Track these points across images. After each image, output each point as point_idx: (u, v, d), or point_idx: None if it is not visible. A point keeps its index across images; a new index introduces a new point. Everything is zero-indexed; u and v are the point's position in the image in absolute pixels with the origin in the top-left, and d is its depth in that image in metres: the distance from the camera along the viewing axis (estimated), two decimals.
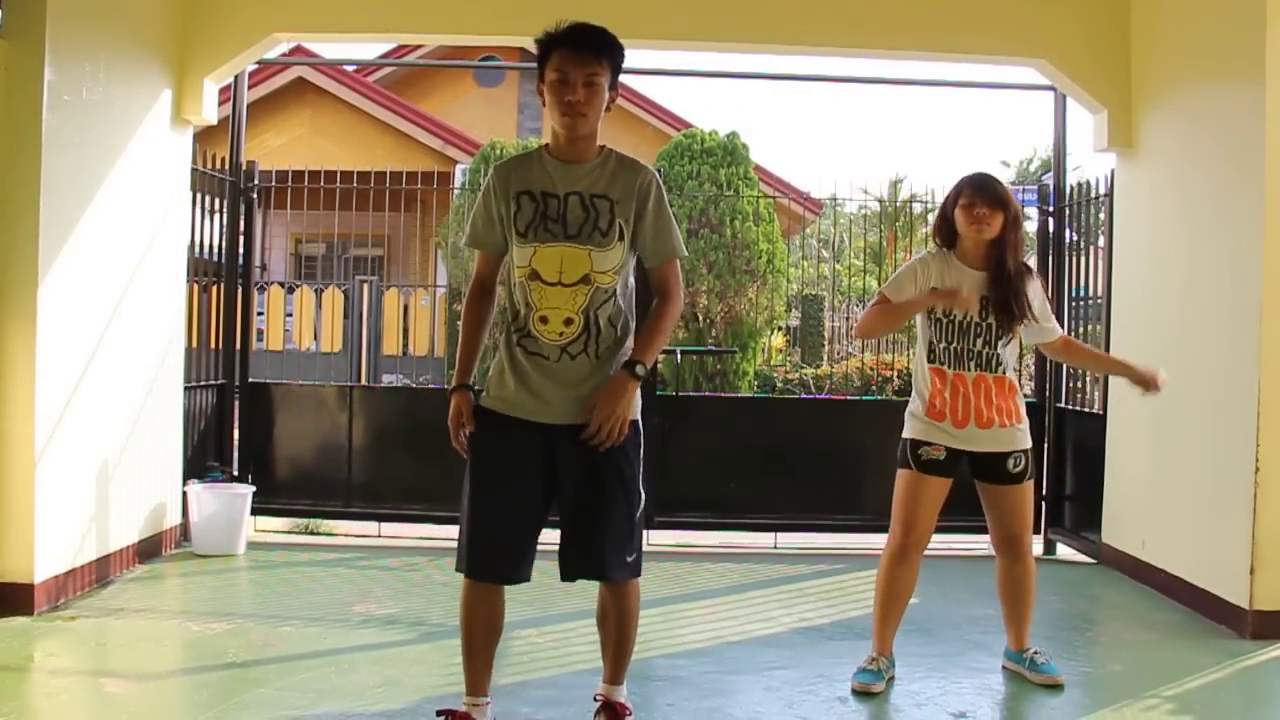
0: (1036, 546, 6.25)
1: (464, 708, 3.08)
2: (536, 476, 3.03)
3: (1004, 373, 3.75)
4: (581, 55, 2.90)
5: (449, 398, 3.10)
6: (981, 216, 3.67)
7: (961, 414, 3.73)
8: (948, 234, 3.82)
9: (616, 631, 3.15)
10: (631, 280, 3.12)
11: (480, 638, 3.07)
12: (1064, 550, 6.23)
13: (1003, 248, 3.71)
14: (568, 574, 3.05)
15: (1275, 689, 3.99)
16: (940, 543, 6.13)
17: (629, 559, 3.05)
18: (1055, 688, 3.78)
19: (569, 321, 2.96)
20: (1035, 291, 3.80)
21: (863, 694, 3.69)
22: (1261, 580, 4.45)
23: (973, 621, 4.66)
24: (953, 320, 3.72)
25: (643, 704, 3.59)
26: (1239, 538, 4.51)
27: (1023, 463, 3.78)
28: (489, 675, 3.12)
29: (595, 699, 3.21)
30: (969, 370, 3.72)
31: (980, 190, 3.70)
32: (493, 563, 3.03)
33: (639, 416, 3.08)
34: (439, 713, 3.08)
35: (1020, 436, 3.78)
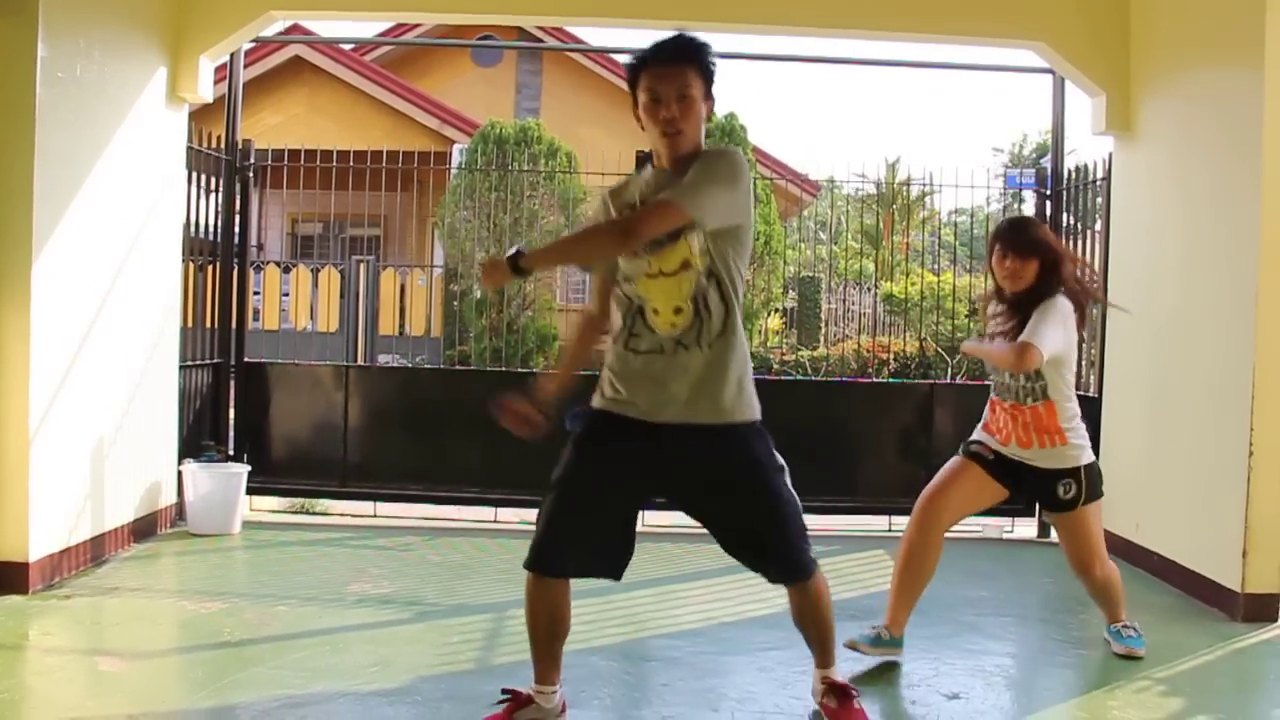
0: (1030, 529, 6.31)
1: (528, 691, 3.10)
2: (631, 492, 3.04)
3: (1037, 402, 3.81)
4: (669, 70, 2.86)
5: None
6: (1013, 270, 3.73)
7: (1003, 436, 3.91)
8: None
9: (817, 628, 3.24)
10: (735, 268, 2.98)
11: (544, 631, 3.06)
12: (1056, 534, 6.23)
13: (1043, 291, 3.72)
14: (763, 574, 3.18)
15: (1266, 671, 4.01)
16: None
17: (806, 559, 3.16)
18: (1131, 659, 3.91)
19: (679, 310, 2.91)
20: (1036, 315, 3.73)
21: (850, 649, 3.78)
22: (1254, 564, 4.47)
23: (966, 603, 4.68)
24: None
25: (637, 684, 3.61)
26: (1232, 522, 4.53)
27: (1073, 490, 3.82)
28: (555, 668, 3.12)
29: (819, 682, 3.27)
30: (1006, 399, 3.88)
31: (1010, 243, 3.75)
32: (555, 558, 2.97)
33: (758, 417, 3.06)
34: (504, 690, 3.12)
35: (1065, 455, 3.83)
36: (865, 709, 3.22)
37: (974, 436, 3.99)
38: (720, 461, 2.97)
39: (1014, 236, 3.77)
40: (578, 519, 2.95)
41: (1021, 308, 3.74)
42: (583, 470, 2.99)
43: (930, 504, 3.87)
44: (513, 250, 2.77)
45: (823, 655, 3.27)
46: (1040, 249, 3.73)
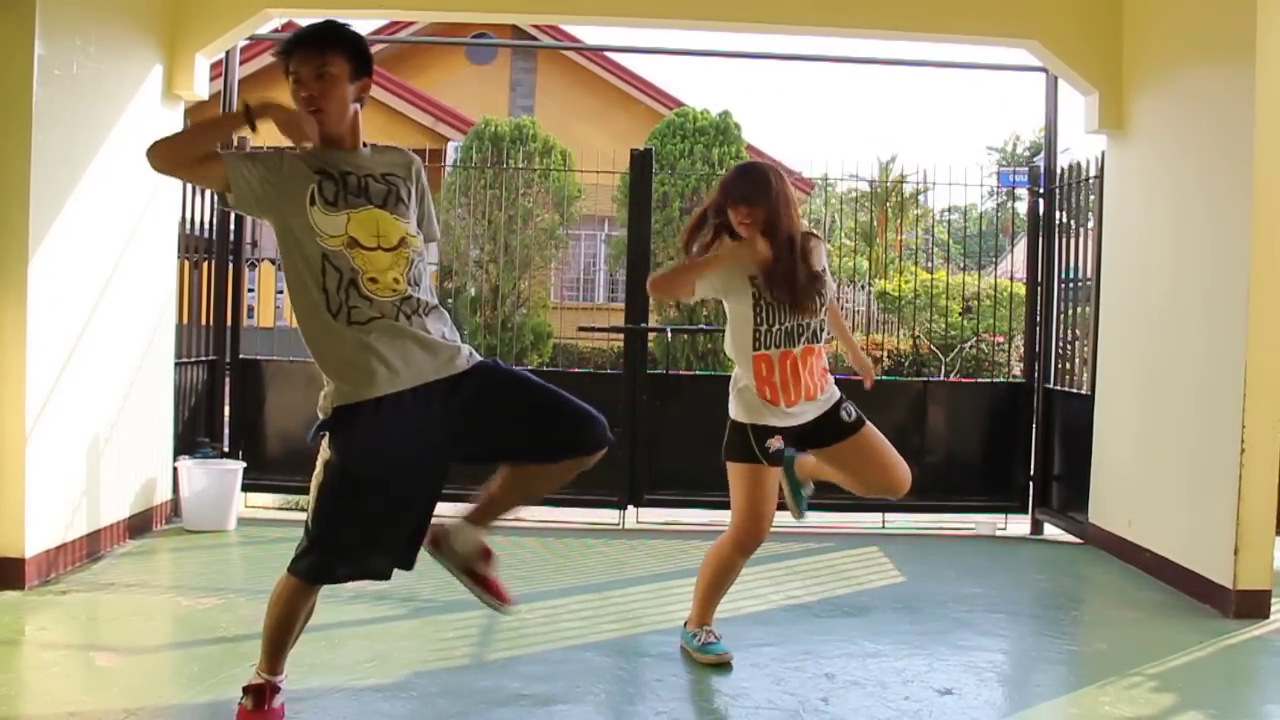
0: (1023, 526, 6.34)
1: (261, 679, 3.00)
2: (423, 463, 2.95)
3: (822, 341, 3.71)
4: (310, 53, 2.97)
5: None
6: (742, 217, 3.61)
7: (790, 397, 3.67)
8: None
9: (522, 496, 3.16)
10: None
11: (301, 628, 3.03)
12: (1051, 530, 6.27)
13: (774, 230, 3.60)
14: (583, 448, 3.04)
15: (1257, 667, 4.04)
16: (925, 522, 6.20)
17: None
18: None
19: (397, 281, 2.86)
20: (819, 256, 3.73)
21: (723, 665, 3.71)
22: (1245, 560, 4.49)
23: (959, 600, 4.70)
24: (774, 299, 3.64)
25: (630, 679, 3.62)
26: (1224, 518, 4.55)
27: (853, 410, 3.76)
28: None
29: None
30: (795, 346, 3.65)
31: (732, 193, 3.65)
32: (335, 570, 2.92)
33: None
34: (246, 689, 2.99)
35: (831, 388, 3.75)
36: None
37: (755, 427, 3.67)
38: (462, 392, 2.92)
39: (736, 185, 3.67)
40: (354, 534, 2.88)
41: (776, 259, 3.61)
42: (350, 487, 2.83)
43: (763, 533, 3.70)
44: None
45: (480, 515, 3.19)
46: (760, 198, 3.60)
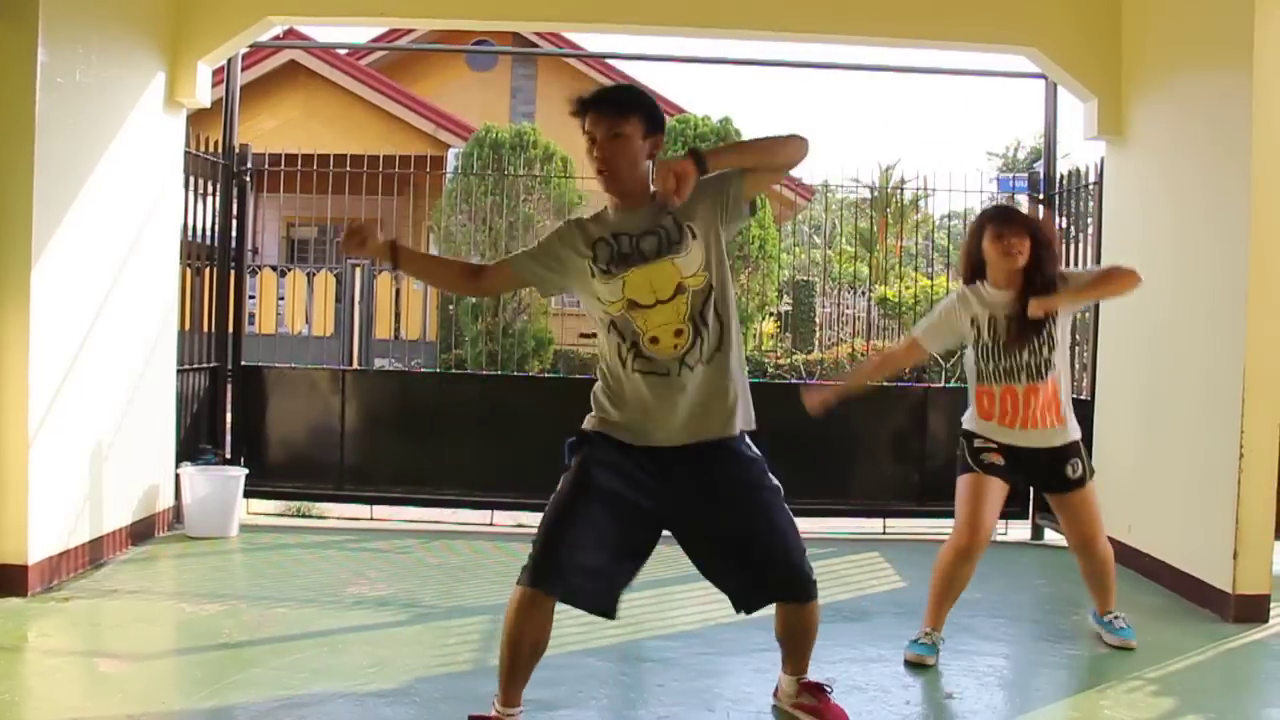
0: (1023, 531, 6.35)
1: (495, 713, 3.00)
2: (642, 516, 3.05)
3: (1051, 374, 3.90)
4: (604, 112, 3.00)
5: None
6: (1011, 247, 3.81)
7: (1010, 419, 3.92)
8: (977, 268, 3.97)
9: (806, 640, 3.30)
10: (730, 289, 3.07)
11: (527, 652, 2.97)
12: (1051, 535, 6.27)
13: (1038, 267, 3.83)
14: (758, 602, 3.15)
15: (1256, 671, 4.04)
16: (929, 528, 6.20)
17: (811, 574, 3.18)
18: (1125, 650, 4.05)
19: (679, 332, 2.96)
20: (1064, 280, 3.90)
21: (917, 665, 3.85)
22: (1244, 565, 4.50)
23: (960, 605, 4.67)
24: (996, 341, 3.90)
25: (633, 685, 3.64)
26: (1223, 523, 4.56)
27: (1080, 467, 3.98)
28: (523, 689, 3.04)
29: (786, 696, 3.36)
30: (1017, 382, 3.89)
31: (1006, 222, 3.87)
32: (555, 575, 2.90)
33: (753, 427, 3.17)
34: (471, 717, 3.02)
35: (1068, 431, 3.97)
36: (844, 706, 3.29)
37: (976, 439, 3.96)
38: (717, 471, 3.05)
39: (1010, 215, 3.95)
40: (580, 538, 2.90)
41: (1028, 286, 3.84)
42: (587, 491, 2.95)
43: (979, 539, 3.87)
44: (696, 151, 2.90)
45: (801, 664, 3.32)
46: (1034, 230, 3.86)
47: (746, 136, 3.10)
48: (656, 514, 3.04)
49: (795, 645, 3.28)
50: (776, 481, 3.15)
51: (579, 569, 2.88)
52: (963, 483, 3.93)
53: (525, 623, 2.90)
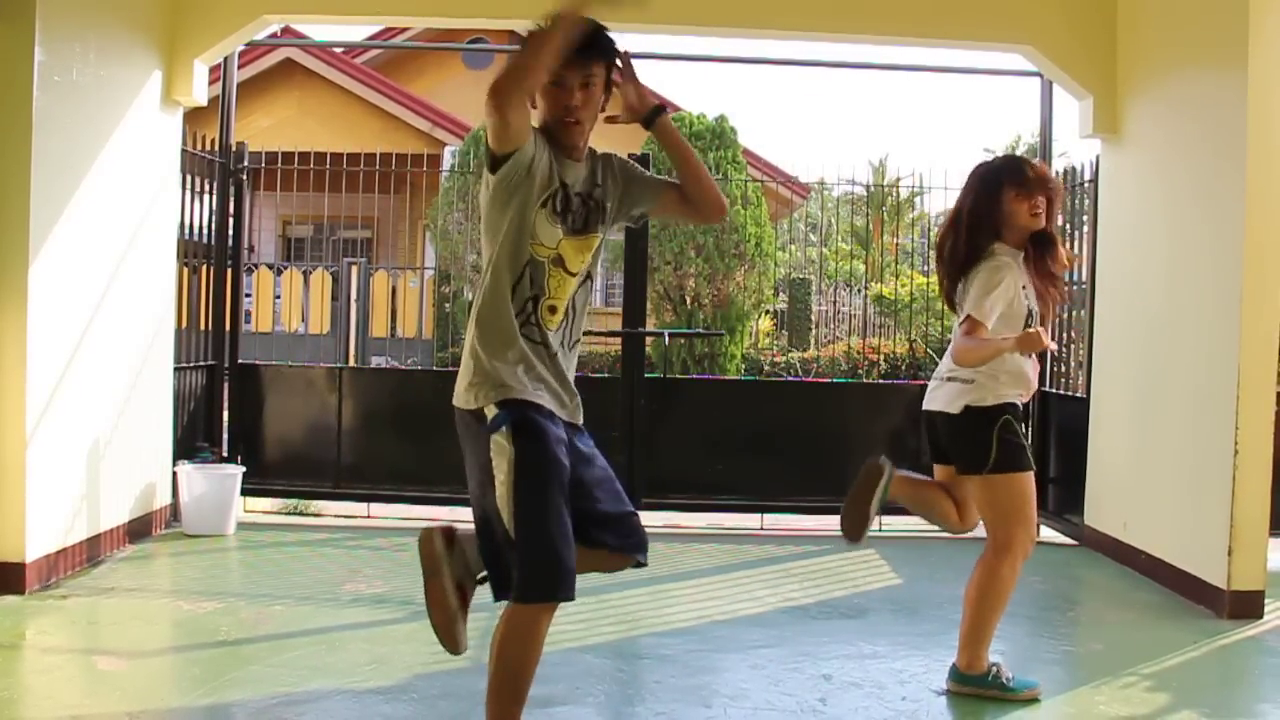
0: None
1: None
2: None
3: None
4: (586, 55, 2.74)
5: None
6: (1038, 205, 3.43)
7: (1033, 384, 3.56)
8: (996, 230, 3.46)
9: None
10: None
11: (535, 666, 2.74)
12: (1047, 532, 6.28)
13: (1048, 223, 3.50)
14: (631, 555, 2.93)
15: (1250, 667, 4.06)
16: (924, 525, 6.21)
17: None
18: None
19: (566, 312, 2.80)
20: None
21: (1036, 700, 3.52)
22: (1239, 561, 4.52)
23: (956, 602, 4.66)
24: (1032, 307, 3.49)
25: (630, 681, 3.65)
26: (1218, 520, 4.58)
27: None
28: None
29: None
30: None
31: (1033, 178, 3.44)
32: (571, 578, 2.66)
33: None
34: None
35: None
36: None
37: (1016, 424, 3.47)
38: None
39: (1037, 170, 3.47)
40: (567, 531, 2.67)
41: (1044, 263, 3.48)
42: (556, 469, 2.71)
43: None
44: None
45: None
46: (1050, 181, 3.48)
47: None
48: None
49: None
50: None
51: (572, 556, 2.67)
52: (1023, 481, 3.45)
53: (542, 636, 2.70)
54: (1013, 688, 3.52)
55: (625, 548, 2.91)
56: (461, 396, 2.86)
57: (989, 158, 3.65)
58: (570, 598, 2.62)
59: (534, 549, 2.61)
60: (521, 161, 2.66)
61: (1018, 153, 29.48)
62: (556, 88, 2.72)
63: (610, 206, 2.87)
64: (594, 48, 2.75)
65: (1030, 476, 3.47)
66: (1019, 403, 3.48)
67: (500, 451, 2.70)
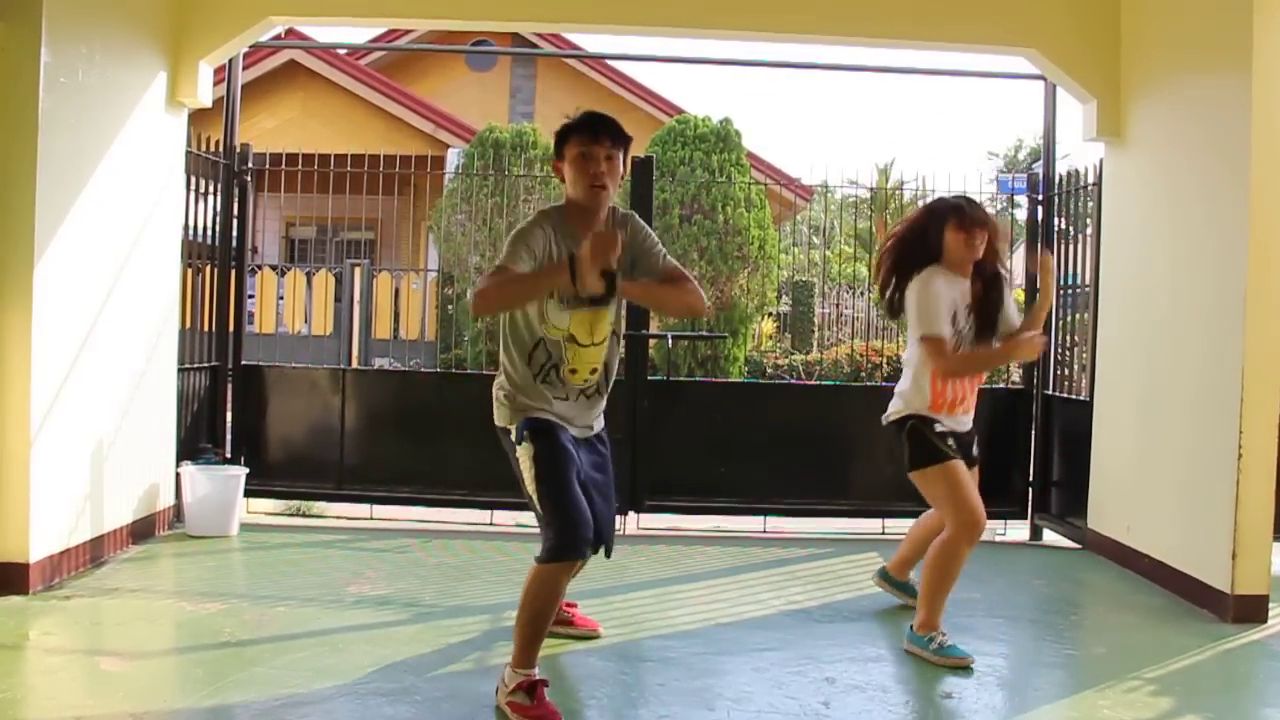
0: (1022, 532, 6.37)
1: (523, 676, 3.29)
2: None
3: None
4: (610, 134, 3.35)
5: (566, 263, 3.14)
6: (976, 238, 3.98)
7: (965, 406, 4.10)
8: (931, 252, 4.02)
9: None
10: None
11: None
12: (1050, 536, 6.29)
13: (991, 260, 4.08)
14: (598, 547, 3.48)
15: (1254, 671, 4.05)
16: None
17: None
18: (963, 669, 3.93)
19: (594, 371, 3.46)
20: (1009, 298, 4.18)
21: (967, 668, 3.85)
22: (1243, 565, 4.52)
23: (958, 605, 4.70)
24: (961, 332, 4.03)
25: (633, 684, 3.64)
26: (1222, 524, 4.58)
27: (976, 445, 4.23)
28: None
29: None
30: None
31: (972, 216, 4.00)
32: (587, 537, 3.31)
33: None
34: (521, 689, 3.24)
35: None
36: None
37: (935, 424, 4.01)
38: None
39: (975, 209, 4.04)
40: (580, 498, 3.31)
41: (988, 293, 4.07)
42: (567, 456, 3.35)
43: (983, 518, 3.95)
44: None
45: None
46: (989, 224, 4.05)
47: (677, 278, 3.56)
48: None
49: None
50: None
51: (588, 523, 3.28)
52: (944, 470, 3.95)
53: (561, 586, 3.36)
54: (943, 653, 3.91)
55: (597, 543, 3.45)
56: (497, 416, 3.49)
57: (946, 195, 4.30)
58: (583, 555, 3.33)
59: (555, 521, 3.25)
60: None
61: (1021, 158, 29.56)
62: (585, 160, 3.31)
63: (623, 268, 3.30)
64: (615, 135, 3.36)
65: (950, 465, 3.94)
66: (929, 415, 4.01)
67: (525, 453, 3.34)
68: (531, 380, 3.38)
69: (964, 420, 4.09)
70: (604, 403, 3.57)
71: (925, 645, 3.94)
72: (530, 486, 3.34)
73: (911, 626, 4.04)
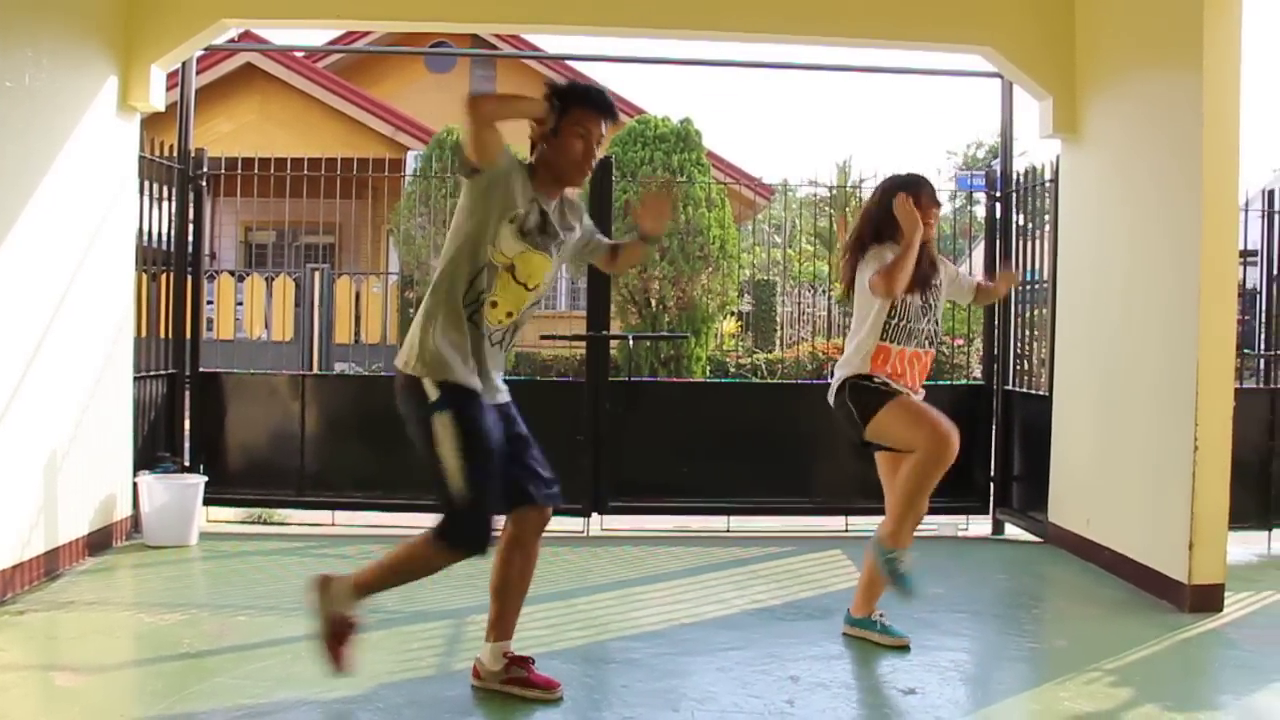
0: (984, 527, 6.42)
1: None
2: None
3: (934, 347, 4.11)
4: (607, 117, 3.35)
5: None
6: (930, 216, 4.00)
7: (908, 381, 4.02)
8: (882, 229, 4.03)
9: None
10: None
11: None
12: (1012, 530, 6.34)
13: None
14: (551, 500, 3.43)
15: (1211, 659, 4.11)
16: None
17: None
18: (903, 649, 4.05)
19: (509, 315, 3.31)
20: (946, 264, 4.26)
21: (904, 648, 4.02)
22: (1199, 556, 4.58)
23: (923, 601, 4.73)
24: (910, 302, 4.00)
25: (597, 686, 3.63)
26: (1179, 515, 4.63)
27: None
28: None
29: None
30: (911, 345, 4.02)
31: (926, 191, 4.03)
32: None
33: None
34: (516, 662, 3.46)
35: None
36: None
37: (876, 377, 3.97)
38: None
39: (929, 184, 4.07)
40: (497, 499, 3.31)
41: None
42: (491, 441, 3.28)
43: (953, 438, 3.93)
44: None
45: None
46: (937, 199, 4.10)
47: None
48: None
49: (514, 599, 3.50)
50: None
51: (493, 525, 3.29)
52: (896, 404, 3.90)
53: (432, 573, 3.37)
54: (887, 630, 4.10)
55: (546, 498, 3.40)
56: (404, 358, 3.29)
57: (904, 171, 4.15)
58: (484, 554, 3.28)
59: (470, 513, 3.22)
60: (495, 178, 3.18)
61: (980, 156, 29.79)
62: (582, 140, 3.28)
63: (570, 242, 3.43)
64: (610, 112, 3.35)
65: (900, 398, 3.92)
66: (866, 373, 3.99)
67: (444, 429, 3.22)
68: (460, 318, 3.22)
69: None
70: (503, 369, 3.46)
71: (883, 555, 3.90)
72: (449, 467, 3.21)
73: (877, 540, 3.96)
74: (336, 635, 3.34)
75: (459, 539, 3.24)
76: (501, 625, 3.47)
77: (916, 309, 4.00)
